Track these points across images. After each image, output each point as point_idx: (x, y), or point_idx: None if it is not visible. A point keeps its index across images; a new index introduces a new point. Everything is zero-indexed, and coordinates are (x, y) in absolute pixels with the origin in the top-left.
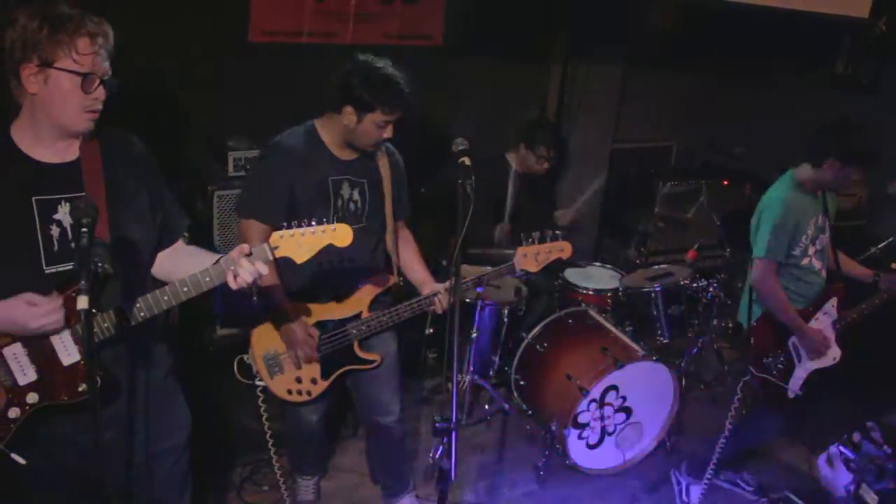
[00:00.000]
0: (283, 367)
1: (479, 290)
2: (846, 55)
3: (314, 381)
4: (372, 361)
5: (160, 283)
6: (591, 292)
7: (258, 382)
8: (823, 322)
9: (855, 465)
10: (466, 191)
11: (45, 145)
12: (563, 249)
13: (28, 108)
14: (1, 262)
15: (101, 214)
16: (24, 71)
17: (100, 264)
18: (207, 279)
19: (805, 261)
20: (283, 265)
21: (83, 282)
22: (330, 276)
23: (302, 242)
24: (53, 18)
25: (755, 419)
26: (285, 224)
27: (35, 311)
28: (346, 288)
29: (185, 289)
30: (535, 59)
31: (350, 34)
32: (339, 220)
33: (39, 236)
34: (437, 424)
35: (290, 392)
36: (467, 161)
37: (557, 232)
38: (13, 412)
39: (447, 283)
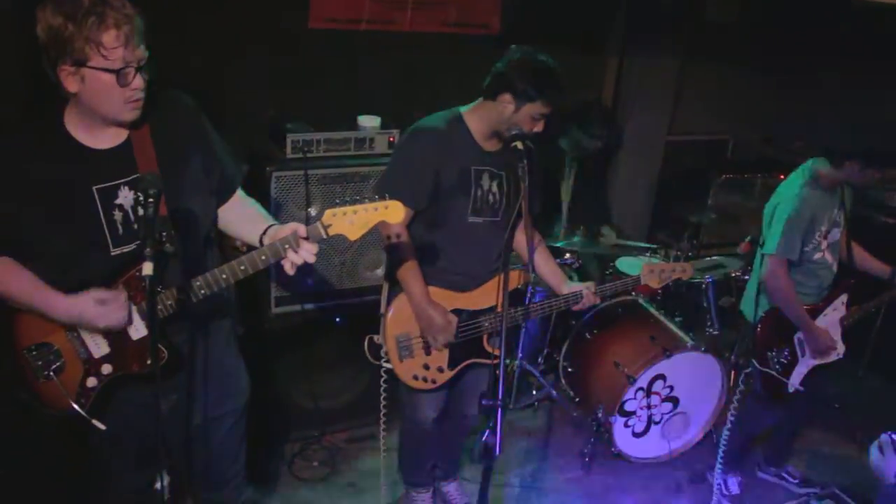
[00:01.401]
0: (414, 351)
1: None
2: None
3: (440, 370)
4: (496, 356)
5: (218, 256)
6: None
7: (384, 364)
8: (832, 318)
9: None
10: (519, 174)
11: (96, 133)
12: (685, 270)
13: (75, 100)
14: (73, 248)
15: None
16: (62, 73)
17: (163, 233)
18: (263, 258)
19: (818, 255)
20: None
21: (148, 249)
22: (463, 267)
23: (354, 220)
24: (74, 13)
25: (755, 411)
26: (338, 202)
27: (103, 310)
28: (479, 280)
29: (242, 267)
30: (591, 50)
31: (408, 21)
32: (476, 212)
33: (104, 222)
34: (483, 402)
35: (415, 378)
36: (520, 145)
37: (678, 252)
38: (91, 381)
39: (590, 284)
